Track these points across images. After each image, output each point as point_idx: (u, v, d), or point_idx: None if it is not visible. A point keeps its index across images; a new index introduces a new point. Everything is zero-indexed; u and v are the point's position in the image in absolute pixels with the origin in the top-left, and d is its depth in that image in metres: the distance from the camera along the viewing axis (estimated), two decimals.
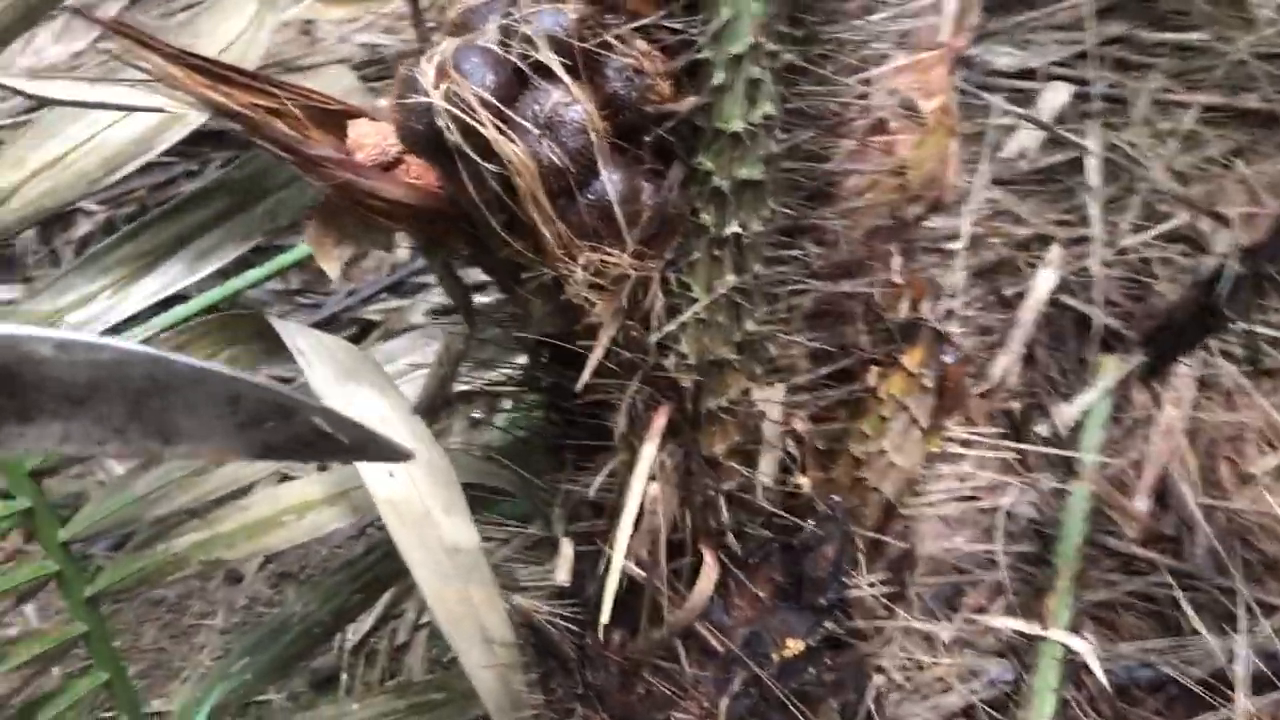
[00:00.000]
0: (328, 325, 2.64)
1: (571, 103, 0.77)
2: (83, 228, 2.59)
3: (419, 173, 0.97)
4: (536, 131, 0.77)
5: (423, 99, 0.78)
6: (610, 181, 0.79)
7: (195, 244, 1.20)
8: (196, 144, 2.78)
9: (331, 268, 1.00)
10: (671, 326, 0.90)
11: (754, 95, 0.83)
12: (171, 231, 1.18)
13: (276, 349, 1.23)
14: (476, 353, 1.19)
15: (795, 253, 0.93)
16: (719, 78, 0.83)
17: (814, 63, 0.85)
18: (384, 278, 2.65)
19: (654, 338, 0.88)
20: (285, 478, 1.68)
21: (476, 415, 1.85)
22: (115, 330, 1.40)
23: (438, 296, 2.55)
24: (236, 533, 1.27)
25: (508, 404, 1.59)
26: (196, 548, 1.28)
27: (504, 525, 1.30)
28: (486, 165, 0.79)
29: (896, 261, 0.99)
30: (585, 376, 0.87)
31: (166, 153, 2.81)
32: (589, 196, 0.80)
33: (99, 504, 1.27)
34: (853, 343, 0.99)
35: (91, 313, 1.19)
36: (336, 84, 1.09)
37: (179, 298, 2.19)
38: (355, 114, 0.96)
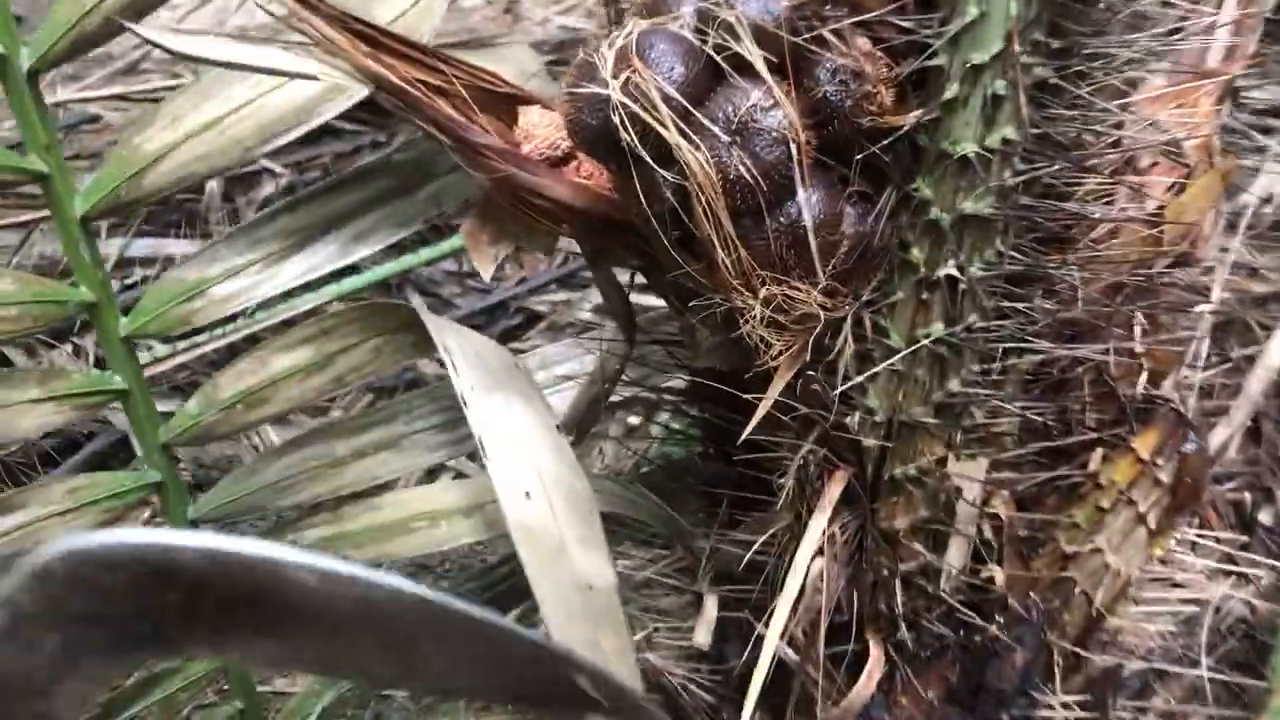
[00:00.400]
0: (494, 311, 2.58)
1: (772, 106, 0.64)
2: (266, 188, 2.59)
3: (590, 172, 0.86)
4: (726, 138, 0.65)
5: (598, 89, 0.67)
6: (808, 203, 0.66)
7: (351, 225, 1.11)
8: (385, 114, 2.76)
9: (485, 266, 0.90)
10: (860, 378, 0.76)
11: (993, 114, 0.69)
12: (328, 210, 1.10)
13: (425, 343, 1.13)
14: (634, 372, 1.08)
15: (1019, 305, 0.77)
16: (953, 89, 0.69)
17: (1068, 81, 0.70)
18: (554, 269, 2.58)
19: (838, 389, 0.74)
20: (425, 479, 1.61)
21: (628, 428, 1.74)
22: (266, 305, 1.34)
23: None
24: (364, 533, 1.19)
25: (663, 423, 1.48)
26: (322, 543, 1.20)
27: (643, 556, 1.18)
28: (663, 172, 0.67)
29: (1138, 326, 0.82)
30: (750, 427, 0.74)
31: (353, 119, 2.77)
32: (780, 219, 0.67)
33: (229, 486, 1.21)
34: (1075, 417, 0.83)
35: (239, 285, 1.12)
36: (516, 66, 0.98)
37: (351, 269, 2.15)
38: (528, 100, 0.86)
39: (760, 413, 0.74)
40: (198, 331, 1.31)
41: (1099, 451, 0.84)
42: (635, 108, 0.65)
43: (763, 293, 0.68)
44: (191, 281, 1.10)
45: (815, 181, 0.67)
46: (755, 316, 0.68)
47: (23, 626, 0.38)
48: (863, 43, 0.67)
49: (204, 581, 0.38)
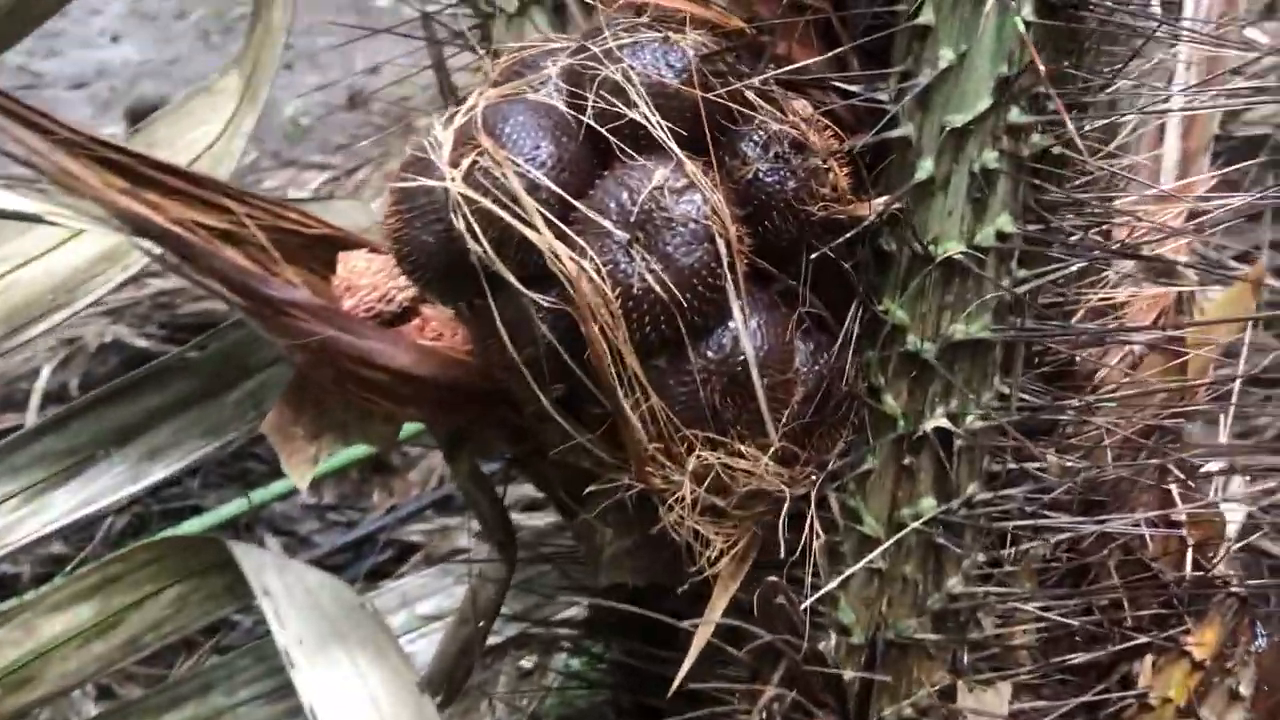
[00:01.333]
0: (361, 547, 2.30)
1: (685, 188, 0.44)
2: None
3: (438, 330, 0.64)
4: (623, 235, 0.44)
5: (426, 183, 0.46)
6: (747, 329, 0.45)
7: (142, 439, 0.87)
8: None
9: (300, 470, 0.66)
10: (831, 584, 0.54)
11: (984, 198, 0.50)
12: (110, 422, 0.86)
13: (241, 587, 0.88)
14: (519, 602, 0.84)
15: (1030, 466, 0.57)
16: (926, 167, 0.50)
17: (1072, 149, 0.52)
18: (430, 491, 2.32)
19: (807, 600, 0.51)
20: None
21: (519, 674, 1.46)
22: (32, 546, 1.07)
23: None
24: None
25: (561, 667, 1.21)
26: None
27: None
28: (534, 296, 0.45)
29: (1173, 485, 0.62)
30: (685, 667, 0.50)
31: (201, 328, 2.52)
32: (708, 353, 0.46)
33: None
34: (1110, 615, 0.61)
35: None
36: (346, 221, 0.77)
37: (193, 509, 1.85)
38: (349, 243, 0.65)
39: (697, 646, 0.51)
40: None
41: (1146, 660, 0.62)
42: (486, 203, 0.44)
43: (692, 462, 0.45)
44: None
45: (754, 298, 0.46)
46: (683, 499, 0.46)
47: None
48: (801, 105, 0.48)
49: None
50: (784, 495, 0.49)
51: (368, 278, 0.63)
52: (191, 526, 1.77)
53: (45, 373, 2.00)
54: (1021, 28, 0.45)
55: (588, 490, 0.55)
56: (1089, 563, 0.63)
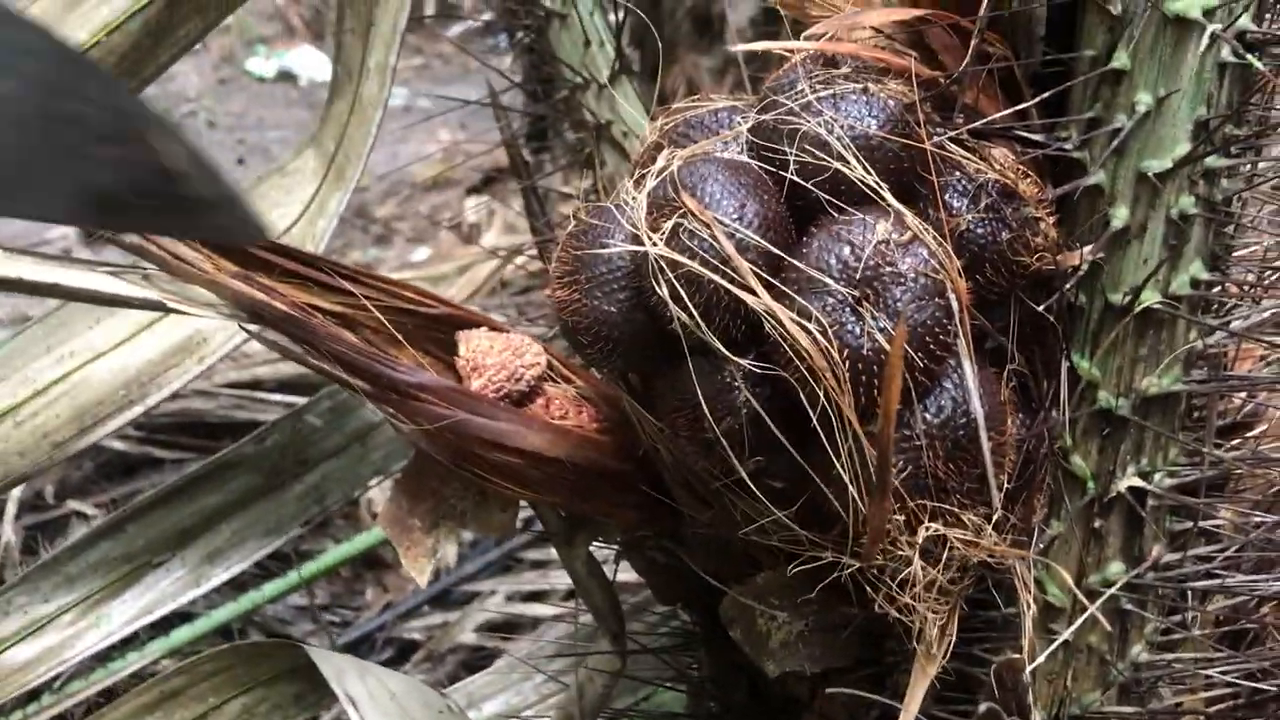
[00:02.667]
0: (359, 647, 2.21)
1: (911, 242, 0.41)
2: (77, 534, 2.21)
3: (564, 409, 0.61)
4: (847, 293, 0.41)
5: (624, 248, 0.43)
6: (977, 388, 0.42)
7: (201, 541, 0.83)
8: (215, 436, 2.44)
9: (420, 565, 0.62)
10: (1040, 658, 0.51)
11: (1180, 245, 0.48)
12: (167, 525, 0.81)
13: (316, 694, 0.83)
14: (626, 696, 0.80)
15: (1209, 524, 0.55)
16: (1121, 216, 0.48)
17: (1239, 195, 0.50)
18: (425, 587, 2.24)
19: (1025, 681, 0.48)
20: None
21: None
22: (92, 663, 1.01)
23: (495, 609, 2.14)
24: None
25: None
26: None
27: None
28: (745, 363, 0.42)
29: None
30: None
31: (177, 444, 2.43)
32: (927, 416, 0.43)
33: None
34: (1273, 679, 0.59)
35: (45, 645, 0.80)
36: (469, 287, 0.73)
37: (183, 615, 1.76)
38: (470, 321, 0.61)
39: None
40: None
41: None
42: (695, 266, 0.41)
43: (921, 535, 0.42)
44: None
45: (976, 357, 0.44)
46: (913, 577, 0.42)
47: None
48: (1001, 153, 0.46)
49: None
50: (1003, 567, 0.46)
51: (493, 357, 0.60)
52: (183, 634, 1.69)
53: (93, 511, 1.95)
54: (1259, 64, 0.44)
55: (759, 577, 0.52)
56: (1243, 627, 0.61)
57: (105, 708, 0.80)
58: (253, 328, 0.58)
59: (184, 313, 0.55)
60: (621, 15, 0.71)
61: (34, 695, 1.18)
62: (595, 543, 0.67)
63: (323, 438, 0.88)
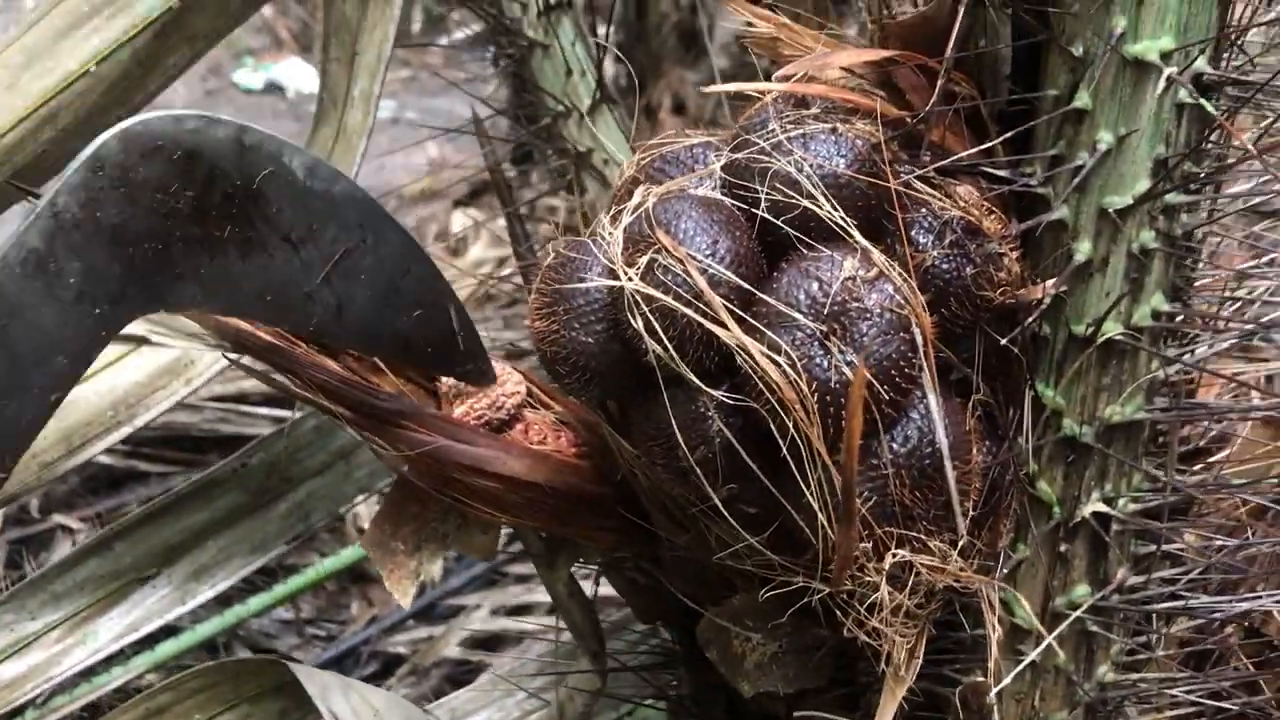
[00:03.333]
0: (343, 662, 2.21)
1: (875, 278, 0.43)
2: (61, 548, 2.21)
3: (543, 435, 0.62)
4: (814, 328, 0.42)
5: (601, 282, 0.44)
6: (941, 419, 0.44)
7: (188, 558, 0.83)
8: (200, 450, 2.44)
9: (402, 586, 0.64)
10: (1006, 680, 0.52)
11: (1141, 278, 0.50)
12: (154, 543, 0.82)
13: (300, 710, 0.84)
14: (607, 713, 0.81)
15: (1171, 548, 0.56)
16: (1084, 249, 0.49)
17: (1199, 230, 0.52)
18: (408, 608, 2.25)
19: (989, 701, 0.50)
20: None
21: None
22: (78, 679, 1.01)
23: (479, 623, 2.14)
24: None
25: None
26: None
27: None
28: (718, 394, 0.44)
29: None
30: None
31: (162, 458, 2.42)
32: (894, 446, 0.45)
33: None
34: (1253, 699, 0.60)
35: (32, 662, 0.81)
36: None
37: (168, 630, 1.76)
38: None
39: None
40: None
41: None
42: (669, 301, 0.42)
43: (888, 562, 0.44)
44: None
45: (941, 388, 0.45)
46: (880, 602, 0.44)
47: (58, 242, 0.43)
48: (966, 190, 0.47)
49: (219, 170, 0.45)
50: (970, 591, 0.47)
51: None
52: (168, 649, 1.70)
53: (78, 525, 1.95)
54: (1209, 107, 0.45)
55: (733, 600, 0.53)
56: (1211, 646, 0.63)
57: None
58: (235, 357, 0.59)
59: (166, 345, 0.56)
60: (603, 44, 0.72)
61: (18, 711, 1.17)
62: (576, 564, 0.69)
63: (308, 456, 0.89)
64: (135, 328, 0.60)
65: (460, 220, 2.95)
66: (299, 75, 3.80)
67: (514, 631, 1.94)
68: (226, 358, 0.60)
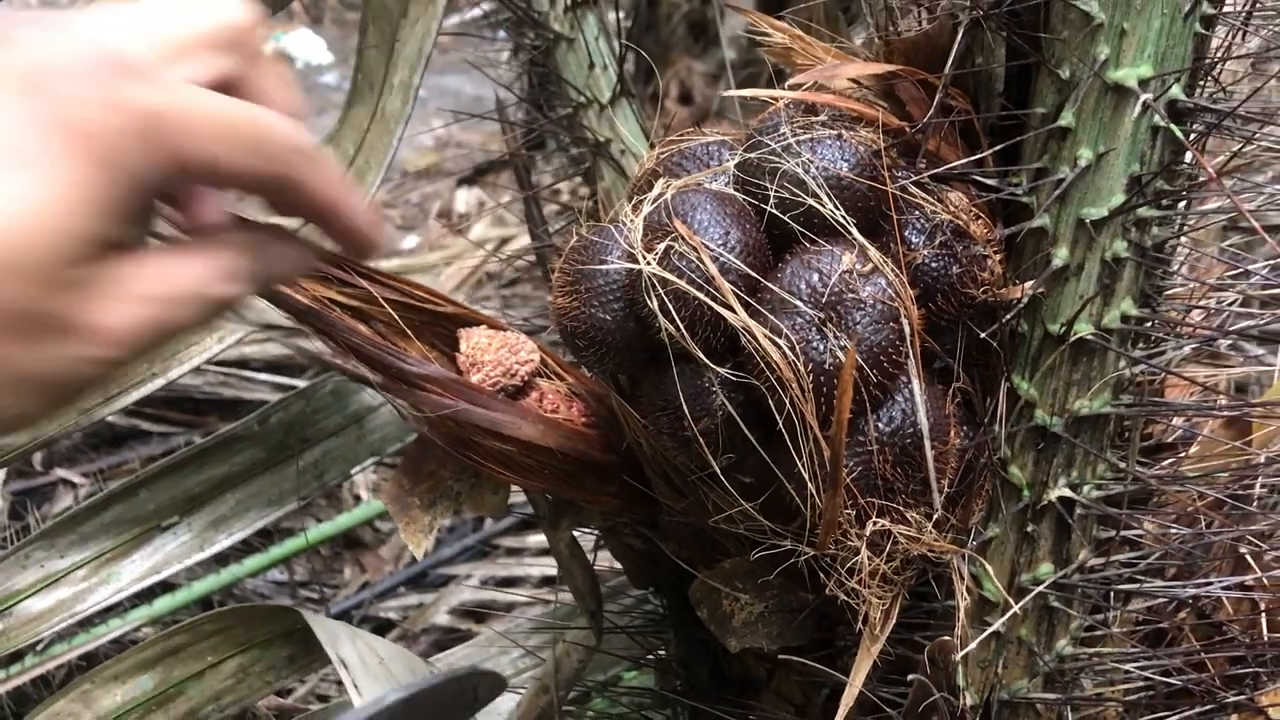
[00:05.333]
0: None
1: (870, 273, 0.48)
2: (63, 501, 2.26)
3: (555, 404, 0.67)
4: (812, 314, 0.47)
5: (620, 265, 0.49)
6: (924, 402, 0.48)
7: (209, 508, 0.88)
8: (201, 412, 2.48)
9: (417, 538, 0.68)
10: (971, 645, 0.57)
11: (1113, 284, 0.55)
12: (178, 491, 0.87)
13: (307, 658, 0.88)
14: (597, 673, 0.86)
15: (1130, 533, 0.61)
16: (1061, 255, 0.54)
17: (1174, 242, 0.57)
18: (402, 569, 2.30)
19: (955, 661, 0.55)
20: None
21: None
22: (88, 623, 1.06)
23: (469, 593, 2.19)
24: None
25: None
26: None
27: None
28: (722, 371, 0.48)
29: (1244, 551, 0.67)
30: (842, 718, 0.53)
31: (161, 418, 2.45)
32: (880, 425, 0.50)
33: None
34: (1188, 678, 0.65)
35: (58, 597, 0.85)
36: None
37: (165, 585, 1.80)
38: (469, 319, 0.67)
39: (846, 705, 0.53)
40: None
41: (1234, 719, 0.66)
42: (682, 285, 0.47)
43: (869, 529, 0.49)
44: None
45: (924, 375, 0.50)
46: (860, 566, 0.49)
47: None
48: (957, 197, 0.52)
49: None
50: (942, 560, 0.52)
51: (491, 354, 0.66)
52: (164, 603, 1.74)
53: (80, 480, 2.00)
54: (1177, 132, 0.50)
55: (725, 562, 0.58)
56: (1164, 626, 0.67)
57: (110, 659, 0.85)
58: (268, 323, 0.63)
59: None
60: (626, 43, 0.77)
61: (18, 656, 1.21)
62: (578, 528, 0.73)
63: (324, 418, 0.94)
64: None
65: (464, 198, 2.99)
66: (309, 46, 3.81)
67: (502, 602, 1.98)
68: (257, 326, 0.64)
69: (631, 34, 0.90)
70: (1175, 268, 0.59)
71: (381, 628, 2.23)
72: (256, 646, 0.89)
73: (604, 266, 0.50)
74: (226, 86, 0.41)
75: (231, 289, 0.42)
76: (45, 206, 0.34)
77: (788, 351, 0.47)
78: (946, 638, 0.53)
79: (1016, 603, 0.59)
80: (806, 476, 0.48)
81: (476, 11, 1.01)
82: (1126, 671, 0.64)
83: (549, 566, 1.94)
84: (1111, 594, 0.63)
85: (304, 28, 3.97)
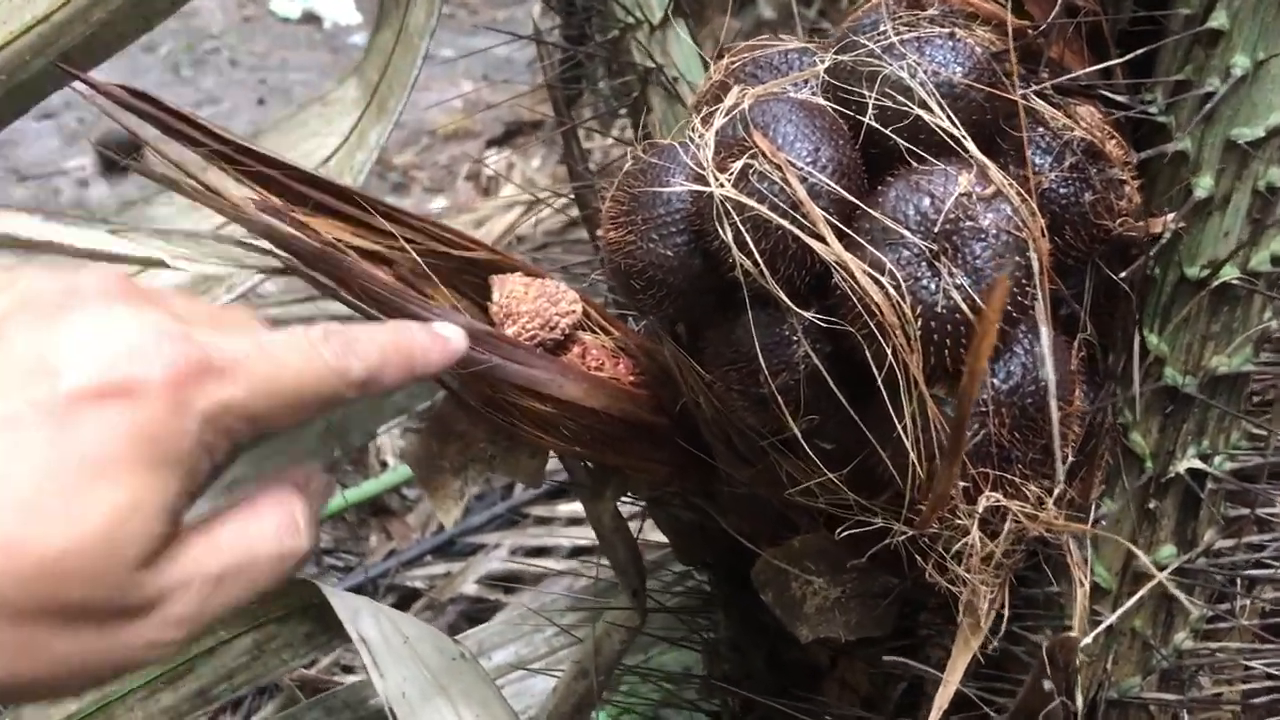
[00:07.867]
0: (359, 593, 2.20)
1: (994, 197, 0.39)
2: None
3: (599, 359, 0.59)
4: (923, 247, 0.39)
5: (686, 187, 0.41)
6: (1051, 354, 0.40)
7: (228, 468, 0.80)
8: None
9: (447, 505, 0.61)
10: (1086, 639, 0.49)
11: (1262, 219, 0.46)
12: None
13: (327, 634, 0.82)
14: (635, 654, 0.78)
15: (1264, 510, 0.53)
16: (1204, 185, 0.46)
17: None
18: (429, 537, 2.24)
19: (1076, 661, 0.47)
20: None
21: None
22: None
23: (497, 563, 2.13)
24: None
25: None
26: None
27: None
28: (809, 316, 0.40)
29: None
30: None
31: None
32: (996, 382, 0.41)
33: None
34: None
35: None
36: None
37: None
38: (502, 265, 0.59)
39: (940, 707, 0.45)
40: None
41: None
42: (763, 210, 0.39)
43: (982, 504, 0.41)
44: None
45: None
46: (970, 548, 0.41)
47: None
48: (1089, 111, 0.43)
49: None
50: (1055, 543, 0.44)
51: (528, 303, 0.58)
52: None
53: None
54: None
55: (796, 540, 0.50)
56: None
57: None
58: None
59: (183, 270, 0.53)
60: None
61: None
62: (623, 496, 0.66)
63: None
64: (150, 250, 0.57)
65: (493, 160, 2.92)
66: (337, 6, 3.74)
67: (532, 572, 1.92)
68: (271, 272, 0.57)
69: None
70: None
71: (408, 597, 2.17)
72: (272, 622, 0.83)
73: (666, 190, 0.42)
74: None
75: (307, 541, 0.44)
76: (119, 513, 0.36)
77: (891, 291, 0.39)
78: (1070, 633, 0.45)
79: (1132, 591, 0.51)
80: (908, 443, 0.40)
81: None
82: (1249, 668, 0.56)
83: (581, 537, 1.87)
84: (1239, 580, 0.55)
85: None
